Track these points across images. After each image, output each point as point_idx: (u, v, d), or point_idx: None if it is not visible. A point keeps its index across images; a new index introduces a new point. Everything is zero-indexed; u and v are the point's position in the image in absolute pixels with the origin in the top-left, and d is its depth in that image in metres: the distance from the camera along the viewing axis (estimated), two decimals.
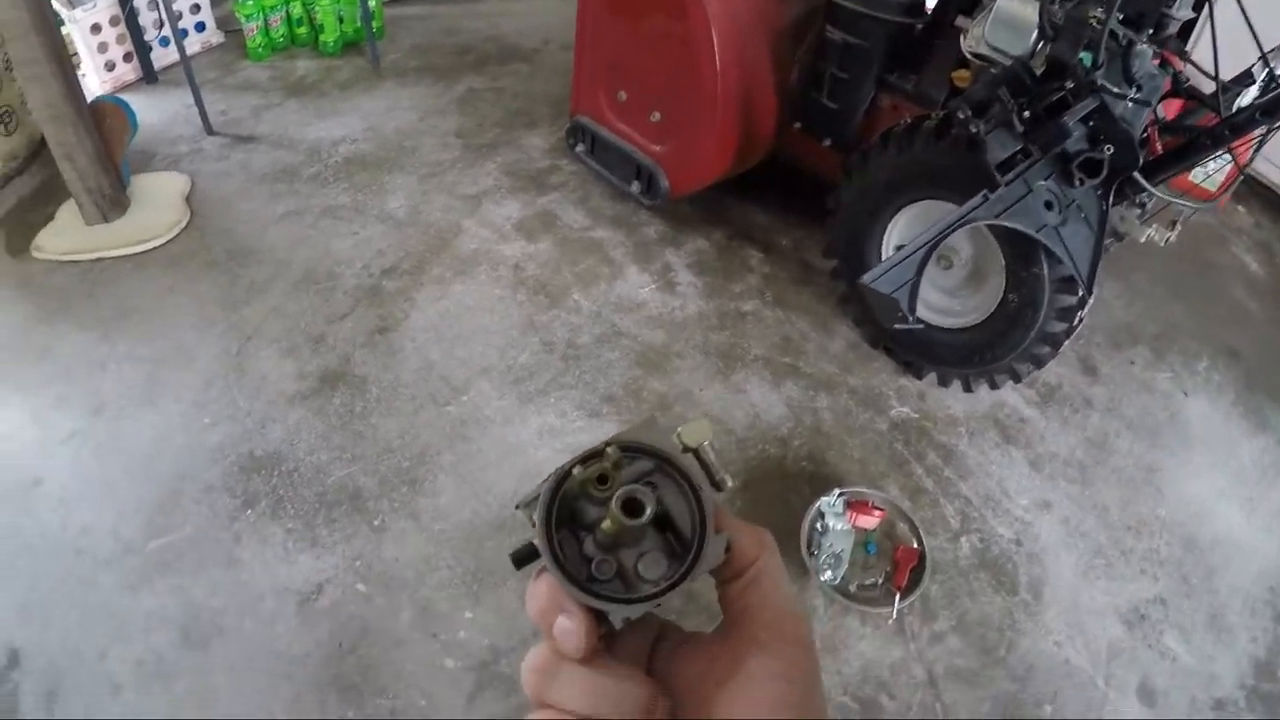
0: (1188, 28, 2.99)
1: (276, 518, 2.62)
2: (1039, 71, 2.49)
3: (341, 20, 4.96)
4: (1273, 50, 2.39)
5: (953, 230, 2.39)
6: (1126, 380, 3.21)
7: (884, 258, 2.85)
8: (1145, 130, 2.53)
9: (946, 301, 3.00)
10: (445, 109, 4.58)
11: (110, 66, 4.45)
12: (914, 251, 2.42)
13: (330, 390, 3.00)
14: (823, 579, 2.47)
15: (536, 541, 0.48)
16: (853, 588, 2.50)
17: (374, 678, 2.29)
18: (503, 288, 3.47)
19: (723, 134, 3.32)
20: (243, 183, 3.94)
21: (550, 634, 0.47)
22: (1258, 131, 2.37)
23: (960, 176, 2.53)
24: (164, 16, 4.40)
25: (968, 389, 3.06)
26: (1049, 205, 2.40)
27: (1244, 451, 3.10)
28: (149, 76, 4.59)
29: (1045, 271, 2.54)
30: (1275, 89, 2.28)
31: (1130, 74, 2.36)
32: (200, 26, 4.86)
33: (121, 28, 4.39)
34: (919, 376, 3.14)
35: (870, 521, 2.58)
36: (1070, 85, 2.37)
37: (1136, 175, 2.40)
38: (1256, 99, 2.39)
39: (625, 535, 0.48)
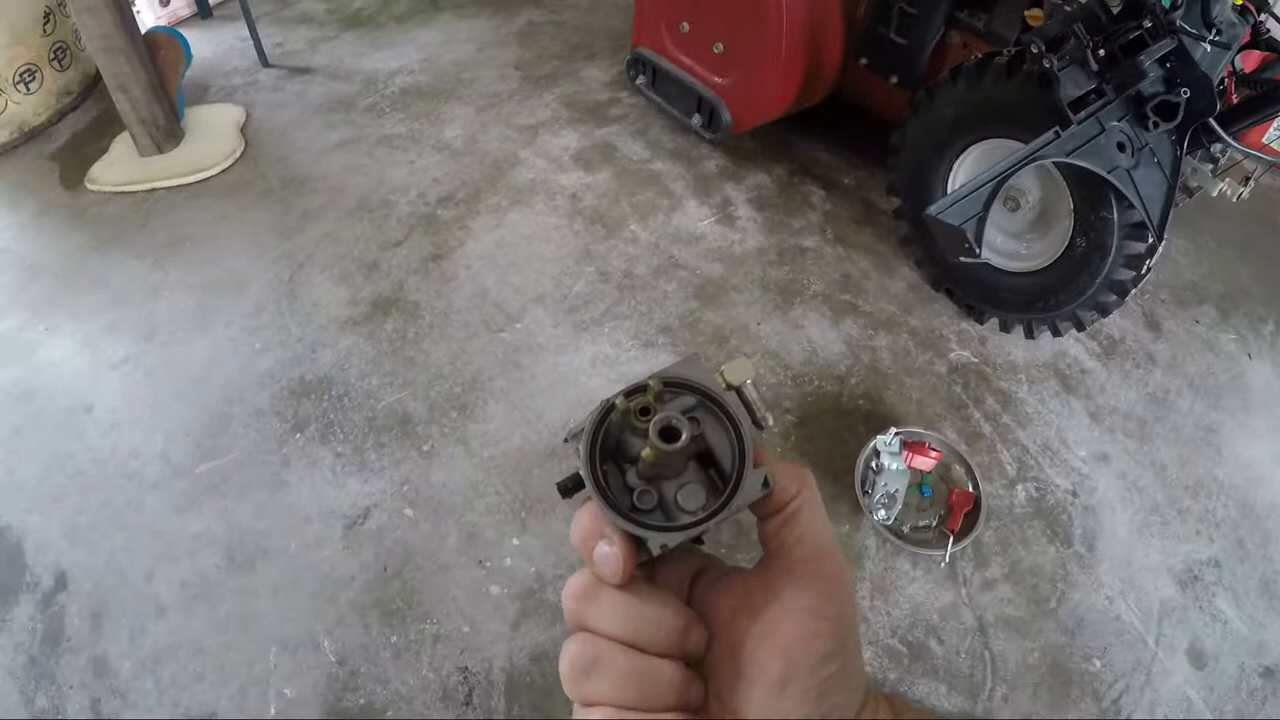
0: None
1: (325, 442, 2.58)
2: (1115, 10, 2.33)
3: None
4: None
5: (1022, 165, 2.29)
6: (1190, 339, 3.03)
7: None
8: (1222, 80, 2.37)
9: (1012, 245, 2.88)
10: (504, 41, 4.49)
11: (165, 1, 4.42)
12: (983, 184, 2.31)
13: (382, 316, 2.95)
14: (876, 519, 2.39)
15: (580, 470, 0.49)
16: (906, 529, 2.41)
17: (418, 603, 2.24)
18: (559, 217, 3.39)
19: (787, 68, 3.20)
20: (298, 113, 3.90)
21: (591, 560, 0.48)
22: None
23: (1030, 115, 2.44)
24: None
25: (1030, 335, 2.93)
26: (1121, 147, 2.29)
27: None
28: (203, 11, 4.57)
29: (1115, 216, 2.43)
30: None
31: (1209, 17, 2.24)
32: None
33: None
34: (980, 321, 3.01)
35: (926, 463, 2.47)
36: (1147, 24, 2.23)
37: (1212, 122, 2.28)
38: None
39: (665, 464, 0.48)
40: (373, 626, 2.20)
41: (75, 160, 3.66)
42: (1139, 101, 2.28)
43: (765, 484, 0.49)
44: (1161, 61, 2.24)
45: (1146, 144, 2.32)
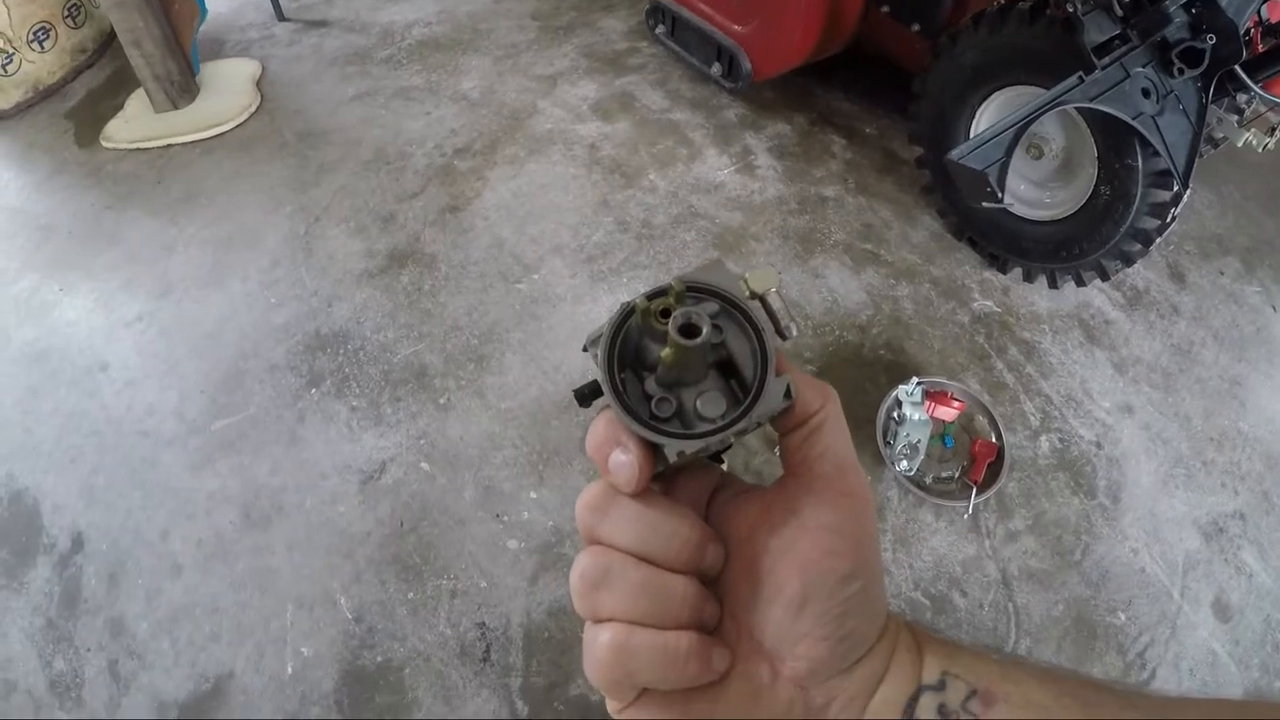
0: None
1: (341, 396, 2.55)
2: None
3: None
4: None
5: (1046, 110, 2.27)
6: (1215, 290, 2.96)
7: None
8: (1248, 29, 2.32)
9: (1035, 193, 2.83)
10: None
11: None
12: (1005, 129, 2.30)
13: (399, 268, 2.91)
14: (898, 469, 2.36)
15: (597, 374, 0.48)
16: (928, 480, 2.39)
17: (434, 558, 2.21)
18: (577, 167, 3.33)
19: (807, 15, 3.09)
20: (314, 67, 3.84)
21: (606, 468, 0.47)
22: None
23: (1053, 61, 2.41)
24: None
25: (1053, 285, 2.89)
26: (1146, 93, 2.26)
27: None
28: None
29: (1140, 164, 2.39)
30: None
31: None
32: None
33: None
34: (1003, 271, 2.97)
35: (949, 413, 2.44)
36: None
37: (1238, 70, 2.22)
38: None
39: (684, 365, 0.46)
40: (389, 583, 2.17)
41: (90, 118, 3.63)
42: (1164, 48, 2.23)
43: (788, 394, 0.47)
44: (1187, 7, 2.18)
45: (1171, 91, 2.28)
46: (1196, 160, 2.34)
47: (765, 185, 3.29)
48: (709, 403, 0.47)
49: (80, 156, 3.46)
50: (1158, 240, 2.58)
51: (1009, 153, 2.31)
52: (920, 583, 2.20)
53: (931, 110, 2.92)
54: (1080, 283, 2.81)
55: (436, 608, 2.13)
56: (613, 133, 3.50)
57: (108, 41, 3.96)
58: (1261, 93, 2.27)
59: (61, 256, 3.06)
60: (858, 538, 0.47)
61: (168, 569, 2.23)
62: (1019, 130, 2.29)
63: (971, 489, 2.33)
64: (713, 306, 0.50)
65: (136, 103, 3.61)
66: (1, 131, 3.66)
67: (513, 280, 2.87)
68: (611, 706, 0.49)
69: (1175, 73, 2.22)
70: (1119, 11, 2.23)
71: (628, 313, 0.49)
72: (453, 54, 3.92)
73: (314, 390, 2.57)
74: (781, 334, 0.51)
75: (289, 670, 2.05)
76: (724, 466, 0.57)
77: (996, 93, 2.70)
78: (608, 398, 0.46)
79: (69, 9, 3.79)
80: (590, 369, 0.52)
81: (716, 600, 0.49)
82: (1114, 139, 2.42)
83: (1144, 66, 2.25)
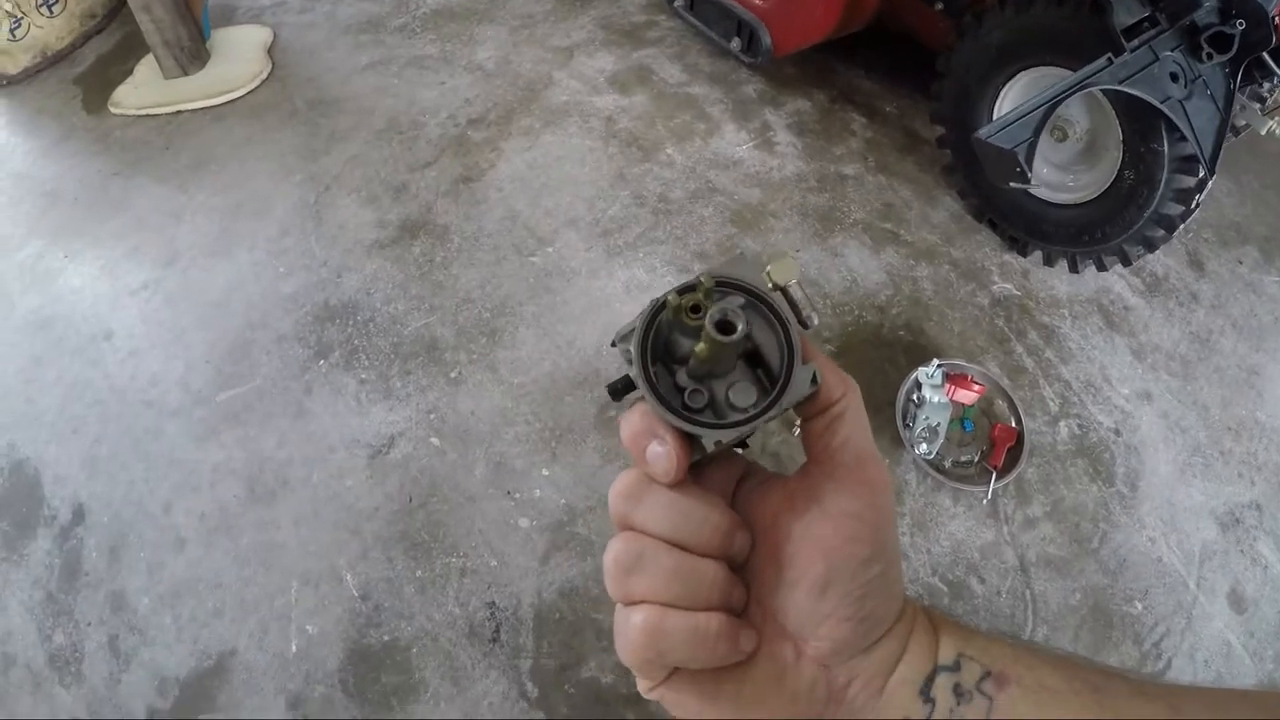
0: None
1: (350, 368, 2.50)
2: None
3: None
4: None
5: (1074, 91, 2.26)
6: (1233, 280, 2.95)
7: None
8: (1275, 15, 2.30)
9: (1058, 176, 2.81)
10: None
11: None
12: (1033, 109, 2.29)
13: (410, 239, 2.85)
14: (917, 452, 2.34)
15: (630, 369, 0.49)
16: (947, 464, 2.37)
17: (444, 535, 2.17)
18: (593, 139, 3.26)
19: None
20: (327, 34, 3.77)
21: (642, 459, 0.48)
22: None
23: (1080, 42, 2.40)
24: None
25: (1074, 269, 2.87)
26: (1174, 78, 2.25)
27: None
28: None
29: (1165, 148, 2.38)
30: None
31: None
32: None
33: None
34: (1023, 254, 2.95)
35: (969, 397, 2.42)
36: None
37: (1266, 57, 2.23)
38: None
39: (718, 359, 0.48)
40: (397, 560, 2.13)
41: (99, 84, 3.57)
42: (1193, 32, 2.23)
43: (814, 380, 0.49)
44: None
45: (1199, 76, 2.27)
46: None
47: (784, 162, 3.23)
48: (740, 393, 0.49)
49: (88, 122, 3.40)
50: (1180, 227, 2.57)
51: (1037, 133, 2.30)
52: (938, 568, 2.18)
53: (954, 90, 2.89)
54: (1101, 267, 2.80)
55: (445, 586, 2.09)
56: (630, 106, 3.44)
57: (117, 7, 3.89)
58: None
59: (67, 223, 3.01)
60: (877, 524, 0.49)
61: (170, 542, 2.19)
62: (1047, 110, 2.27)
63: (991, 474, 2.32)
64: (739, 299, 0.52)
65: (146, 69, 3.55)
66: (9, 97, 3.60)
67: (527, 253, 2.81)
68: (642, 685, 0.50)
69: (1204, 58, 2.21)
70: None
71: (658, 308, 0.50)
72: (467, 23, 3.85)
73: (322, 362, 2.52)
74: (804, 323, 0.53)
75: (293, 648, 2.02)
76: (743, 452, 0.59)
77: (1021, 73, 2.68)
78: (643, 391, 0.48)
79: None
80: (617, 364, 0.53)
81: (744, 584, 0.51)
82: (1140, 123, 2.41)
83: (1173, 50, 2.24)
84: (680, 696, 0.49)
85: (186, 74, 3.49)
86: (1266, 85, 2.40)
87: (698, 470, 0.52)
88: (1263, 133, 2.50)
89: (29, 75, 3.66)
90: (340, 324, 2.60)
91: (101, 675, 2.01)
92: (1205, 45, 2.19)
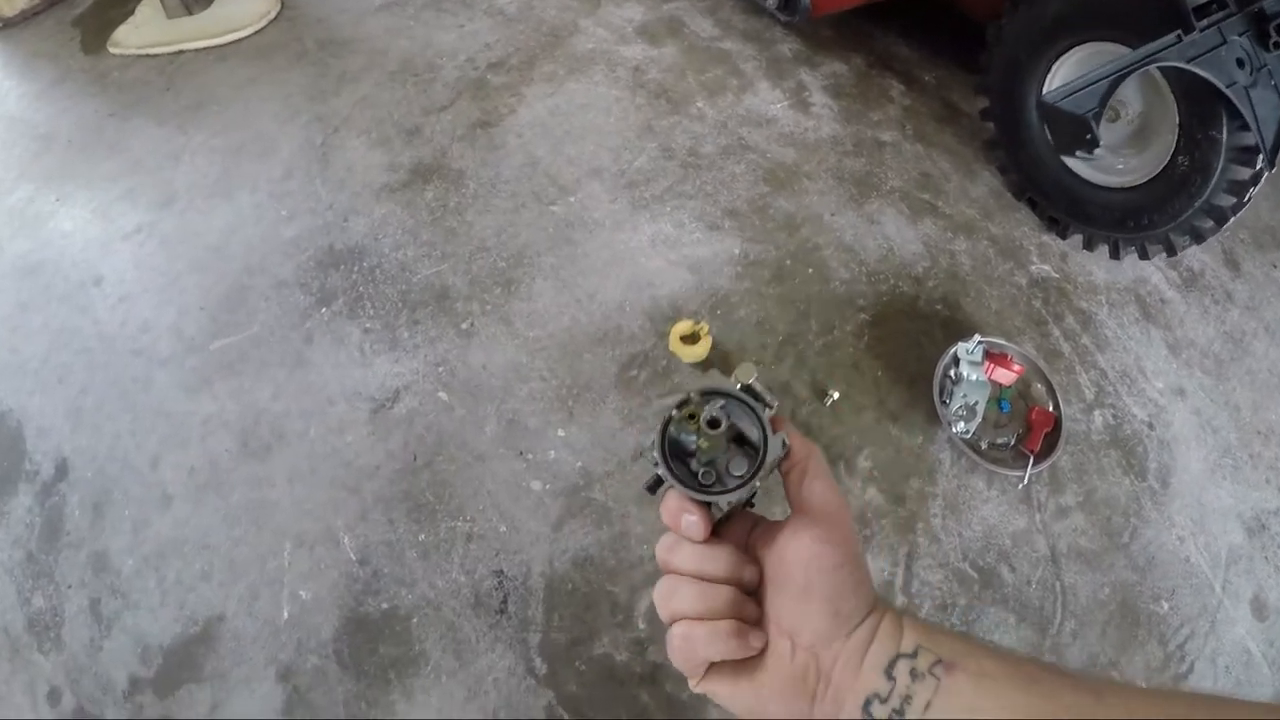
0: None
1: (354, 317, 2.38)
2: None
3: None
4: None
5: (1143, 65, 2.22)
6: (1268, 283, 2.86)
7: None
8: None
9: (1107, 158, 2.69)
10: None
11: None
12: (1101, 79, 2.26)
13: (422, 184, 2.71)
14: (955, 430, 2.27)
15: (659, 469, 0.66)
16: (983, 445, 2.29)
17: (450, 497, 2.05)
18: (620, 89, 3.12)
19: None
20: None
21: (679, 528, 0.66)
22: None
23: (1143, 18, 2.31)
24: None
25: (1115, 255, 2.78)
26: (1240, 64, 2.19)
27: None
28: None
29: (1224, 136, 2.30)
30: None
31: None
32: None
33: None
34: (1063, 235, 2.86)
35: (1007, 377, 2.34)
36: None
37: None
38: None
39: (715, 446, 0.66)
40: (399, 522, 2.02)
41: (99, 25, 3.45)
42: (1261, 19, 2.16)
43: (784, 444, 0.66)
44: None
45: (1265, 65, 2.21)
46: None
47: (820, 124, 3.10)
48: (736, 464, 0.66)
49: (85, 64, 3.28)
50: (1231, 220, 2.49)
51: (1103, 104, 2.28)
52: (969, 553, 2.11)
53: (1004, 61, 2.79)
54: (1144, 255, 2.73)
55: (450, 552, 1.98)
56: (659, 57, 3.30)
57: None
58: None
59: (60, 166, 2.90)
60: (840, 541, 0.63)
61: (156, 500, 2.08)
62: (1115, 81, 2.25)
63: (1028, 458, 2.25)
64: (720, 400, 0.68)
65: (148, 8, 3.42)
66: (5, 40, 3.49)
67: (547, 202, 2.67)
68: (691, 683, 0.65)
69: (1271, 46, 2.16)
70: None
71: (666, 421, 0.67)
72: None
73: (324, 309, 2.39)
74: (768, 405, 0.68)
75: (285, 614, 1.91)
76: (753, 507, 0.73)
77: (1077, 48, 2.59)
78: (670, 483, 0.65)
79: None
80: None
81: (756, 604, 0.65)
82: (1200, 107, 2.33)
83: (1240, 35, 2.18)
84: (716, 685, 0.64)
85: (190, 13, 3.38)
86: None
87: (721, 528, 0.68)
88: None
89: (26, 17, 3.55)
90: (345, 270, 2.47)
91: (82, 641, 1.91)
92: (1274, 33, 2.14)
